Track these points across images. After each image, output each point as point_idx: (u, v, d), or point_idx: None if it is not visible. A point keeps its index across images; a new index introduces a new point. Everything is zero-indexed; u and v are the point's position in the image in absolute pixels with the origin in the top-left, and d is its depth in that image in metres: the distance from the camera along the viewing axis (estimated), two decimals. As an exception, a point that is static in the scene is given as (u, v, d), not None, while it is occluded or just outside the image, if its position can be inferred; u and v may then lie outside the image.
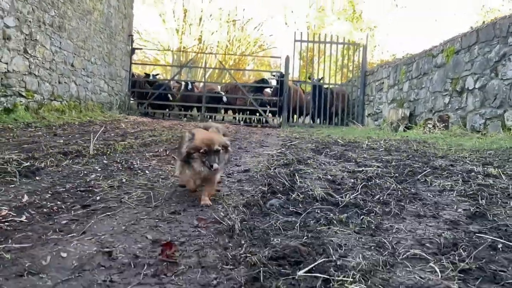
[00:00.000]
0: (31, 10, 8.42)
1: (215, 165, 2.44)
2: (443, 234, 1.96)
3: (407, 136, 8.40)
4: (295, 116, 15.43)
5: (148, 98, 14.53)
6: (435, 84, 9.82)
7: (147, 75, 15.22)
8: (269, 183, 3.04)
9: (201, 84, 16.62)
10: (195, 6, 23.29)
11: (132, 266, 1.61)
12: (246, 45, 27.76)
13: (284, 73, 14.64)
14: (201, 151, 2.44)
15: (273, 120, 16.57)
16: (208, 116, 15.10)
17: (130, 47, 14.18)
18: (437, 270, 1.51)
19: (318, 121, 15.17)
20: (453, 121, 8.88)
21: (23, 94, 8.51)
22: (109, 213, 2.30)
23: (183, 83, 15.35)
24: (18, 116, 7.91)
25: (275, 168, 3.88)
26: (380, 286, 1.38)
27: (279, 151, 5.70)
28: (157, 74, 15.70)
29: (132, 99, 15.14)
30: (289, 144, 6.84)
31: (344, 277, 1.41)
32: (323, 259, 1.56)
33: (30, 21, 8.44)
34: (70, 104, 10.43)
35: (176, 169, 2.93)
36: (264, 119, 16.12)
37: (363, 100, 15.06)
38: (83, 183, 3.09)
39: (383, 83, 13.53)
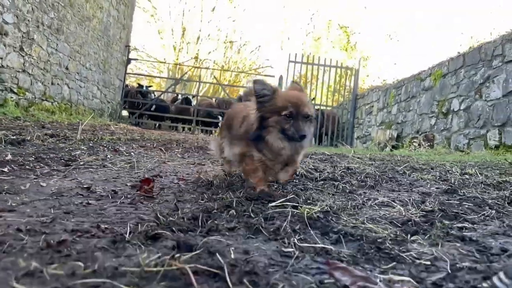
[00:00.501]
0: (30, 10, 8.57)
1: (305, 132, 1.71)
2: (413, 197, 2.03)
3: (392, 153, 8.56)
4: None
5: (139, 109, 14.61)
6: (422, 107, 10.08)
7: (140, 86, 15.36)
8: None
9: (198, 98, 16.75)
10: (193, 26, 23.82)
11: (110, 197, 1.65)
12: (242, 68, 28.21)
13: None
14: (285, 113, 1.71)
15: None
16: (203, 131, 15.18)
17: (126, 57, 14.37)
18: (402, 210, 1.57)
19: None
20: (438, 141, 9.08)
21: (15, 90, 8.53)
22: (91, 170, 2.33)
23: (179, 96, 15.51)
24: (8, 111, 7.91)
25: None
26: (346, 216, 1.44)
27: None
28: (150, 86, 15.84)
29: (124, 109, 15.20)
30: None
31: (311, 207, 1.47)
32: (293, 196, 1.61)
33: (28, 20, 8.57)
34: (61, 106, 10.45)
35: (225, 153, 2.16)
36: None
37: (353, 123, 15.31)
38: (67, 155, 3.12)
39: (372, 106, 13.82)
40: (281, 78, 14.77)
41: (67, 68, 10.69)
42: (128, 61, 14.44)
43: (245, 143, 1.86)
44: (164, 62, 21.48)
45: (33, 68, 9.00)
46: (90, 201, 1.52)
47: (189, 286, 0.70)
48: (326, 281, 0.79)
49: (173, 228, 1.06)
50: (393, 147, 10.77)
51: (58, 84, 10.25)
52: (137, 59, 17.43)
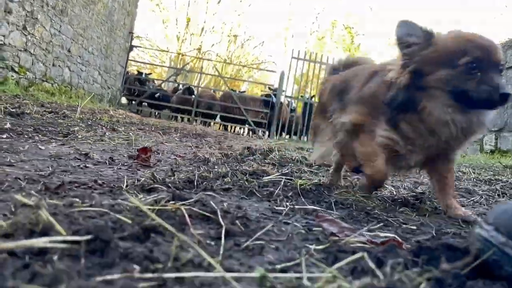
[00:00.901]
0: (36, -11, 8.54)
1: (508, 90, 1.09)
2: (406, 184, 2.06)
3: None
4: (283, 133, 15.62)
5: (139, 96, 14.59)
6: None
7: (139, 73, 15.32)
8: (248, 147, 3.12)
9: (199, 89, 16.74)
10: (198, 17, 23.74)
11: (107, 163, 1.67)
12: (245, 62, 28.15)
13: (278, 87, 14.91)
14: (465, 61, 1.11)
15: (260, 131, 16.73)
16: (202, 122, 15.18)
17: (129, 44, 14.33)
18: (393, 191, 1.60)
19: (305, 139, 15.37)
20: (435, 144, 9.14)
21: (16, 69, 8.51)
22: (89, 142, 2.35)
23: (180, 86, 15.50)
24: (8, 89, 7.91)
25: (256, 146, 3.97)
26: (337, 190, 1.47)
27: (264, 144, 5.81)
28: (150, 74, 15.82)
29: (124, 95, 15.18)
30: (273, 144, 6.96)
31: (305, 180, 1.49)
32: (287, 171, 1.64)
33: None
34: (61, 88, 10.43)
35: (334, 145, 1.53)
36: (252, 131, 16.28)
37: (351, 122, 15.36)
38: (66, 129, 3.13)
39: (372, 107, 13.87)
40: (282, 74, 14.77)
41: (69, 51, 10.67)
42: (131, 48, 14.41)
43: (364, 110, 1.25)
44: (167, 51, 21.43)
45: (35, 48, 8.97)
46: (87, 165, 1.54)
47: (183, 225, 0.72)
48: (314, 229, 0.81)
49: (169, 185, 1.09)
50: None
51: (59, 66, 10.23)
52: (140, 47, 17.40)
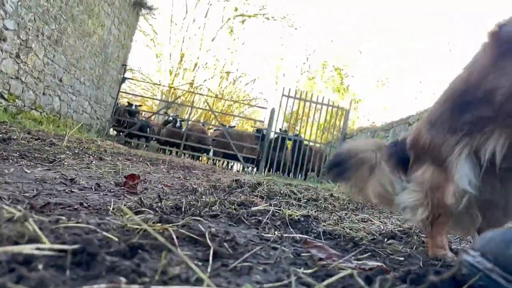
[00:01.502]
0: (32, 19, 8.69)
1: None
2: (393, 220, 2.06)
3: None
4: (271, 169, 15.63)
5: (127, 128, 14.58)
6: (407, 150, 10.29)
7: (130, 105, 15.37)
8: (236, 179, 3.12)
9: (189, 122, 16.81)
10: (192, 52, 24.24)
11: (93, 189, 1.65)
12: (237, 98, 28.53)
13: (268, 124, 15.08)
14: None
15: (248, 167, 16.70)
16: (191, 156, 15.13)
17: (122, 75, 14.48)
18: (381, 225, 1.60)
19: (293, 175, 15.39)
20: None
21: (5, 96, 8.49)
22: (76, 168, 2.33)
23: (170, 118, 15.56)
24: (-5, 115, 7.84)
25: (245, 180, 3.96)
26: (326, 222, 1.47)
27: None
28: (140, 105, 15.89)
29: (113, 126, 15.15)
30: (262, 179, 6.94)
31: (293, 211, 1.49)
32: (275, 201, 1.64)
33: (29, 29, 8.66)
34: (50, 117, 10.38)
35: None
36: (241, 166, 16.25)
37: (339, 161, 15.49)
38: (52, 156, 3.10)
39: (359, 146, 14.06)
40: (273, 111, 15.00)
41: (60, 80, 10.72)
42: (123, 80, 14.55)
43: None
44: (159, 84, 21.68)
45: (26, 76, 9.00)
46: (73, 190, 1.52)
47: (171, 246, 0.71)
48: (302, 254, 0.81)
49: (157, 209, 1.07)
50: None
51: (49, 94, 10.24)
52: (132, 79, 17.58)
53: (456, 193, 0.92)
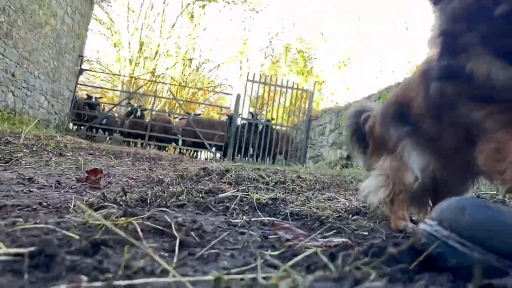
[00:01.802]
0: (-23, 11, 8.14)
1: None
2: (358, 197, 2.13)
3: (342, 170, 8.85)
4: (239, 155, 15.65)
5: (88, 122, 14.08)
6: (371, 128, 10.58)
7: (89, 97, 14.83)
8: (204, 167, 3.10)
9: (152, 112, 16.45)
10: (152, 40, 23.56)
11: (53, 187, 1.59)
12: (201, 85, 28.13)
13: (234, 110, 15.02)
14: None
15: (216, 155, 16.65)
16: (157, 147, 14.84)
17: (79, 67, 13.90)
18: (346, 203, 1.65)
19: (261, 160, 15.48)
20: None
21: (-48, 94, 7.96)
22: (34, 167, 2.23)
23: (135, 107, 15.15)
24: None
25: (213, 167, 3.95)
26: (293, 204, 1.49)
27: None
28: (100, 98, 15.36)
29: (72, 120, 14.59)
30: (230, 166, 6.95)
31: (261, 195, 1.51)
32: (244, 187, 1.65)
33: (-26, 21, 8.12)
34: (4, 115, 9.86)
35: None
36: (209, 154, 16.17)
37: (306, 143, 15.71)
38: (8, 156, 2.95)
39: (325, 127, 14.30)
40: (238, 96, 14.93)
41: (13, 75, 10.16)
42: (81, 71, 13.97)
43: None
44: (119, 75, 20.99)
45: (-26, 72, 8.46)
46: (31, 189, 1.46)
47: (135, 239, 0.70)
48: (270, 237, 0.82)
49: (121, 203, 1.05)
50: (343, 166, 11.15)
51: (2, 91, 9.70)
52: (90, 70, 16.92)
53: (412, 175, 1.13)
